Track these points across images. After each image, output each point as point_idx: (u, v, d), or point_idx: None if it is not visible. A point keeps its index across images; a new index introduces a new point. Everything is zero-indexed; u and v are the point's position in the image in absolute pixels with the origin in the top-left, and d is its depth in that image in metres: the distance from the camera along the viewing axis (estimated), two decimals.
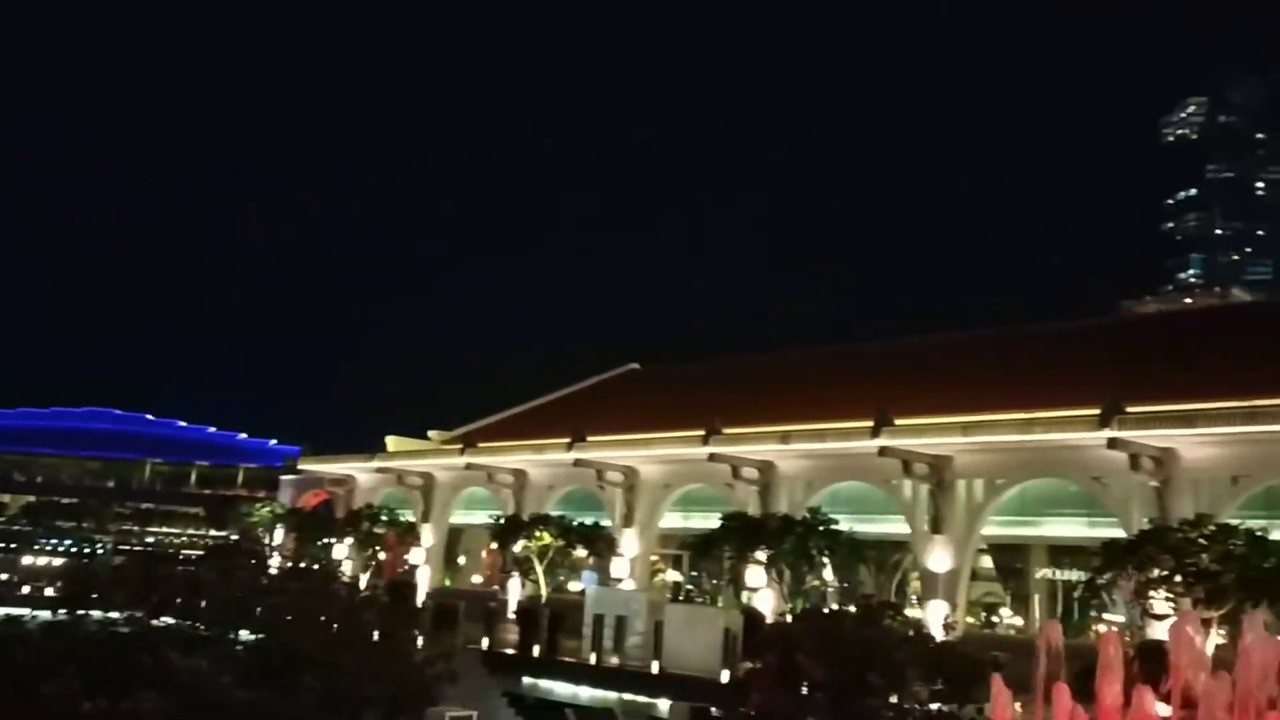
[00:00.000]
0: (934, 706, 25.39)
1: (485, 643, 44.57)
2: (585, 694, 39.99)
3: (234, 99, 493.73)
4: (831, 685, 19.24)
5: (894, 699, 24.40)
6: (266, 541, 72.17)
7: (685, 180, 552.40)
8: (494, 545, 58.51)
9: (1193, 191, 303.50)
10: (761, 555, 44.66)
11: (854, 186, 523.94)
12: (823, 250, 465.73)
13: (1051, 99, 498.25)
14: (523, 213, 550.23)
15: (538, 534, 53.68)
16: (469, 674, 41.22)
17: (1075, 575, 43.24)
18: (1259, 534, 30.51)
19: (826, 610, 33.75)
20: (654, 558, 59.03)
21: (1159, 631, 30.65)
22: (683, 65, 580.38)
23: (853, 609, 31.56)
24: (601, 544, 54.64)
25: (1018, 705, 20.21)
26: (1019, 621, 46.84)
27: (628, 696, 38.62)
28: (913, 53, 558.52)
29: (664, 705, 37.31)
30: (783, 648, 20.75)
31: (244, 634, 32.17)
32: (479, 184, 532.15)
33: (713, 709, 31.78)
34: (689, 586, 57.09)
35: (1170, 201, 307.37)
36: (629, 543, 56.39)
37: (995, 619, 49.11)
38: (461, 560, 70.38)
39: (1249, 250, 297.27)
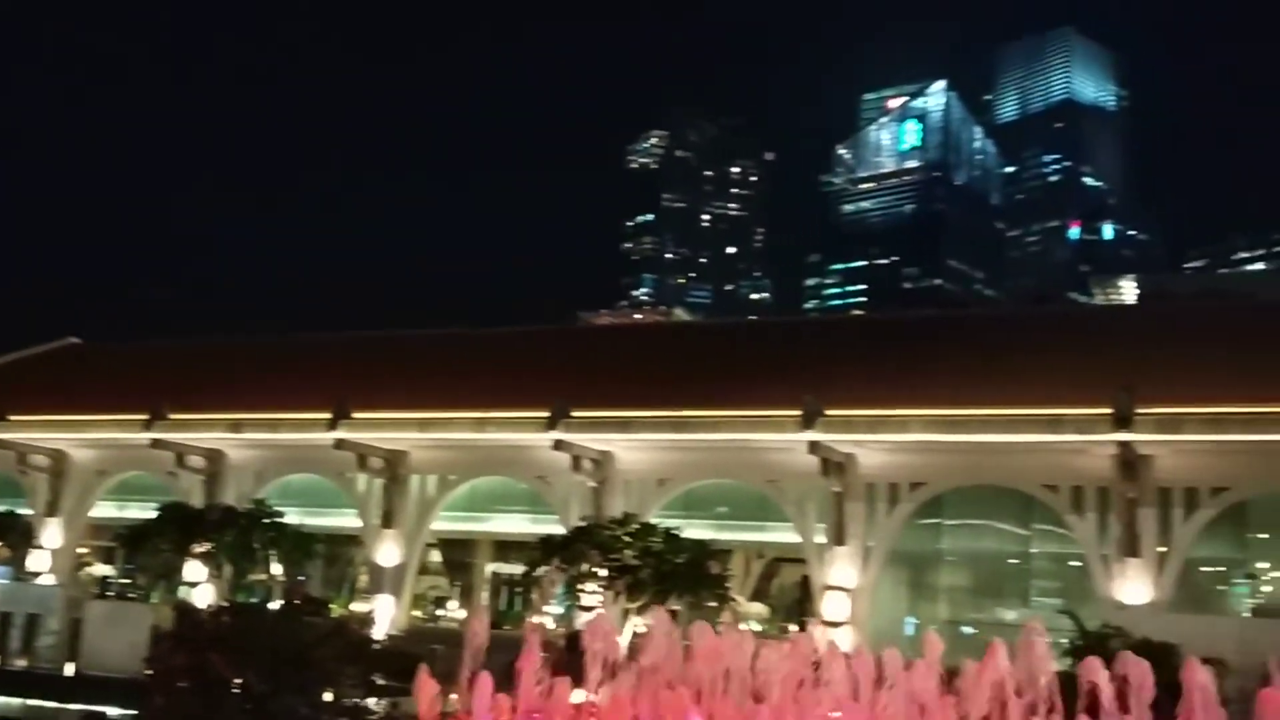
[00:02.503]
0: (370, 702, 25.22)
1: None
2: None
3: None
4: (246, 684, 18.51)
5: (326, 696, 23.95)
6: None
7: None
8: None
9: (649, 217, 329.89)
10: (202, 548, 42.43)
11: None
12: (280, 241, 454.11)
13: (532, 120, 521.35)
14: None
15: None
16: None
17: (519, 569, 45.03)
18: (674, 532, 33.49)
19: (230, 605, 32.51)
20: (82, 550, 54.17)
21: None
22: None
23: (277, 604, 30.76)
24: (17, 535, 49.35)
25: (453, 696, 20.61)
26: (464, 614, 48.02)
27: (34, 702, 34.98)
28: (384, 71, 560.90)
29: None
30: (194, 646, 19.67)
31: None
32: None
33: (106, 712, 29.65)
34: (125, 580, 52.93)
35: (629, 224, 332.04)
36: (52, 534, 51.38)
37: (441, 612, 50.14)
38: None
39: (693, 275, 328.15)
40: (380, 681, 25.60)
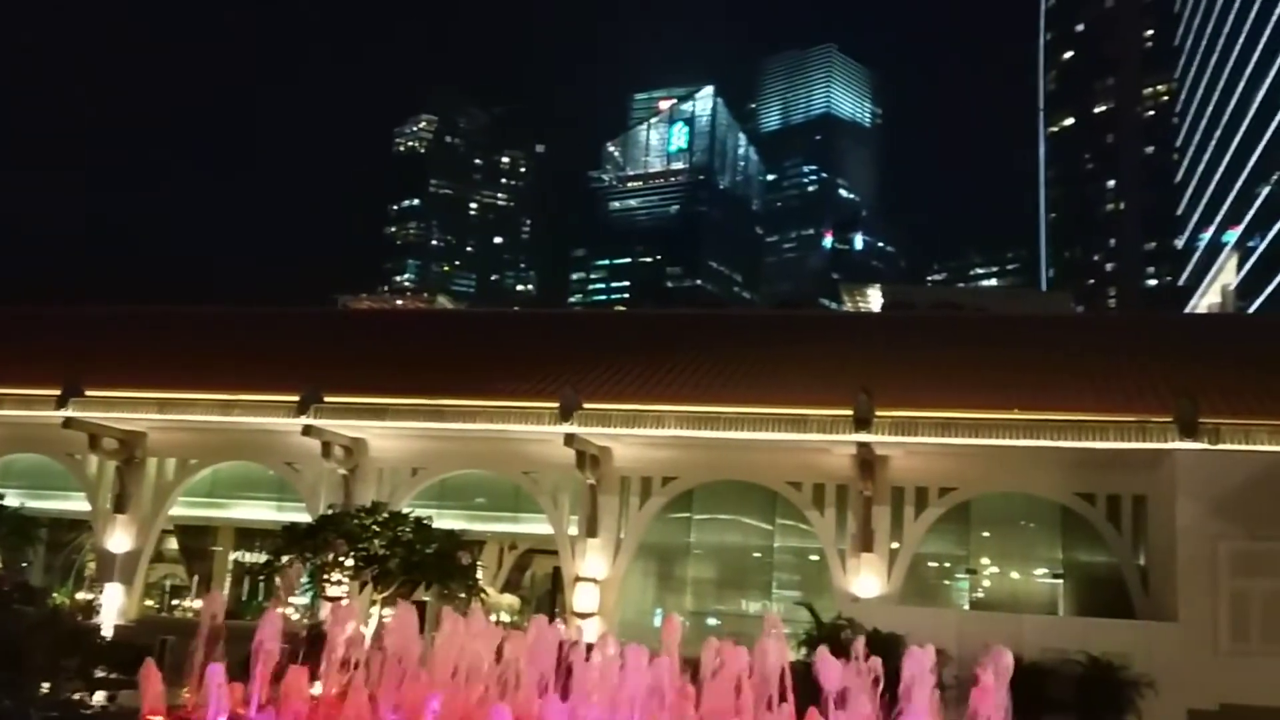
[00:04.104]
0: (98, 695, 23.83)
1: None
2: None
3: None
4: None
5: (44, 688, 22.53)
6: None
7: None
8: None
9: (415, 202, 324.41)
10: None
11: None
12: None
13: (295, 95, 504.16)
14: None
15: None
16: None
17: (263, 558, 43.55)
18: (425, 521, 32.98)
19: None
20: None
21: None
22: None
23: None
24: None
25: (185, 689, 19.66)
26: (201, 604, 45.99)
27: None
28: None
29: None
30: None
31: None
32: None
33: None
34: None
35: (394, 208, 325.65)
36: None
37: (177, 601, 48.00)
38: None
39: (458, 263, 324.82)
40: (103, 674, 24.28)
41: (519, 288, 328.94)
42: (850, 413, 35.86)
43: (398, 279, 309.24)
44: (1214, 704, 29.85)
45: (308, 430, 40.63)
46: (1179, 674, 29.93)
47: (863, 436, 35.97)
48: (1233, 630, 31.41)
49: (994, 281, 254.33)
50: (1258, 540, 31.70)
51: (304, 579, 34.72)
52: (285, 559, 32.67)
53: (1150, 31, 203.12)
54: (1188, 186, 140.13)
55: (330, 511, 35.77)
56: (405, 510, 34.78)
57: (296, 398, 40.60)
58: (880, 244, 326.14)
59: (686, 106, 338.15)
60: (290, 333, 52.92)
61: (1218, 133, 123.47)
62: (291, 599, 42.39)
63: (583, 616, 38.33)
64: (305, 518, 38.65)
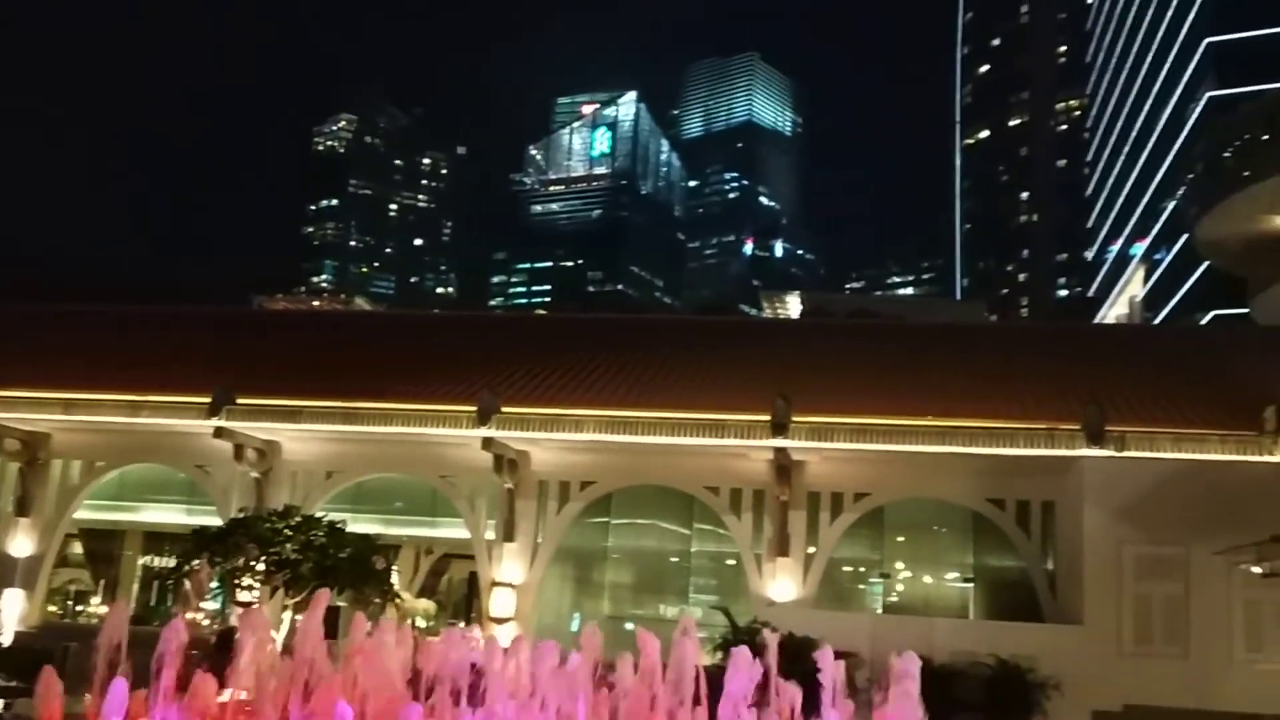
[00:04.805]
0: None
1: None
2: None
3: None
4: None
5: None
6: None
7: None
8: None
9: (334, 202, 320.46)
10: None
11: None
12: None
13: (212, 92, 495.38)
14: None
15: None
16: None
17: (172, 562, 42.66)
18: (338, 525, 32.55)
19: None
20: None
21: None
22: None
23: None
24: None
25: (87, 697, 19.14)
26: (106, 611, 44.93)
27: None
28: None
29: None
30: None
31: None
32: None
33: None
34: None
35: (312, 208, 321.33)
36: None
37: (82, 607, 46.92)
38: None
39: (377, 264, 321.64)
40: (1, 682, 23.59)
41: (439, 290, 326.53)
42: (768, 418, 36.11)
43: (315, 280, 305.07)
44: (1117, 704, 30.54)
45: (219, 432, 39.92)
46: (1084, 675, 30.61)
47: (779, 442, 36.24)
48: (1136, 633, 32.24)
49: (910, 290, 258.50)
50: (1159, 545, 32.53)
51: (214, 584, 34.07)
52: (195, 563, 31.97)
53: (1064, 47, 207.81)
54: (1098, 200, 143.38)
55: (241, 515, 35.15)
56: (319, 514, 34.27)
57: (208, 399, 39.83)
58: (800, 252, 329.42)
59: (609, 111, 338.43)
60: (203, 333, 51.75)
61: (1126, 148, 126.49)
62: (201, 604, 41.61)
63: (499, 621, 38.13)
64: (216, 521, 37.92)
